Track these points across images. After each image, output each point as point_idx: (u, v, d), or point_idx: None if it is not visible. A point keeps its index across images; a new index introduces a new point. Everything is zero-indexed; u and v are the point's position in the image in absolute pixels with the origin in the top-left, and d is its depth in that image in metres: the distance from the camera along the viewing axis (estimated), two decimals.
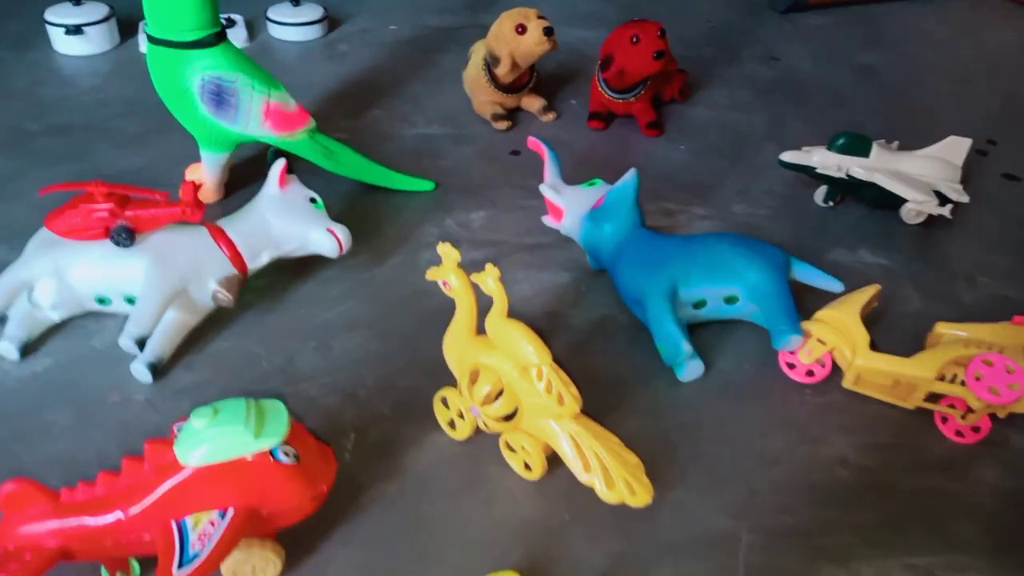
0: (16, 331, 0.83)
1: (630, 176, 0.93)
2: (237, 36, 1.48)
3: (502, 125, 1.28)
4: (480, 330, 0.75)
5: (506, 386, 0.72)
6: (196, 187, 0.83)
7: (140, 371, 0.82)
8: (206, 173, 1.05)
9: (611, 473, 0.70)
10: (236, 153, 1.06)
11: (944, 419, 0.82)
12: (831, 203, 1.14)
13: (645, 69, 1.21)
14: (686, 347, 0.83)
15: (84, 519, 0.61)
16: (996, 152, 1.31)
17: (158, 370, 0.83)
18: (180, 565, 0.57)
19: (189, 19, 0.93)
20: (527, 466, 0.75)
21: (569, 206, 0.96)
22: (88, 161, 1.16)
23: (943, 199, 1.08)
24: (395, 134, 1.27)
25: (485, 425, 0.75)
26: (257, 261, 0.89)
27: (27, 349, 0.84)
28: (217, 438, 0.60)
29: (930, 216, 1.08)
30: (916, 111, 1.41)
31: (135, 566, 0.65)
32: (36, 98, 1.30)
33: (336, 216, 1.07)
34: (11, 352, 0.83)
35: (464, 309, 0.75)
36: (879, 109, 1.41)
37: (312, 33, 1.53)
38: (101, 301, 0.86)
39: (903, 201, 1.07)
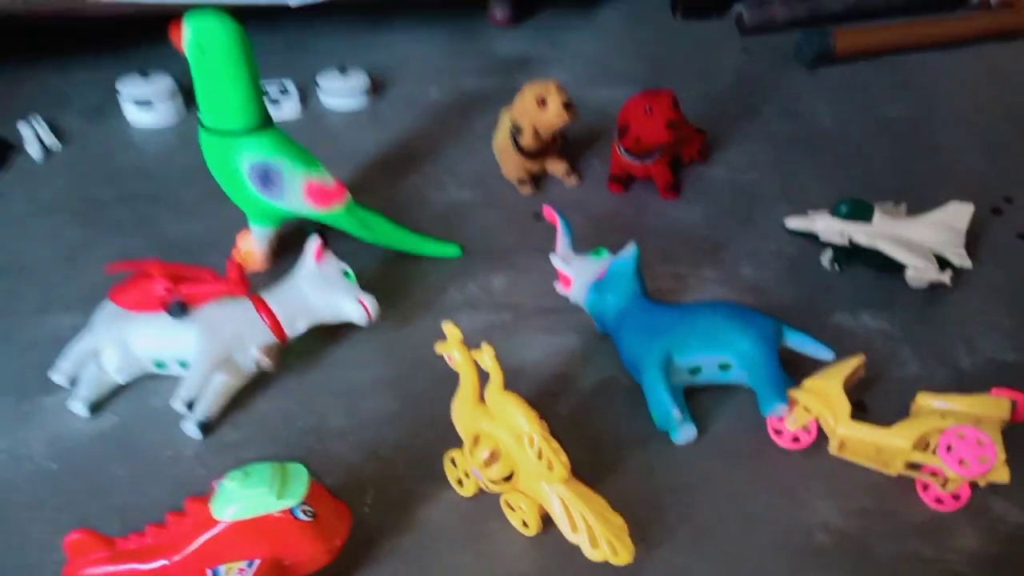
0: (86, 392, 0.96)
1: (630, 251, 1.00)
2: (290, 107, 1.61)
3: (526, 190, 1.37)
4: (484, 398, 0.84)
5: (503, 451, 0.81)
6: (240, 266, 0.94)
7: (191, 429, 0.93)
8: (256, 244, 1.17)
9: (596, 533, 0.77)
10: (285, 225, 1.18)
11: (925, 487, 0.87)
12: (837, 267, 1.19)
13: (658, 138, 1.28)
14: (676, 414, 0.90)
15: (135, 565, 0.72)
16: (1012, 210, 1.33)
17: (207, 428, 0.94)
18: None
19: (239, 110, 1.05)
20: (525, 523, 0.83)
21: (576, 276, 1.04)
22: (153, 228, 1.29)
23: (946, 264, 1.12)
24: (428, 199, 1.37)
25: (486, 486, 0.83)
26: (294, 329, 1.00)
27: (95, 407, 0.97)
28: (246, 498, 0.70)
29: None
30: (936, 165, 1.44)
31: None
32: (109, 168, 1.45)
33: (368, 280, 1.18)
34: (82, 410, 0.95)
35: (467, 380, 0.84)
36: (898, 164, 1.45)
37: (360, 102, 1.64)
38: (159, 365, 0.98)
39: (905, 267, 1.12)
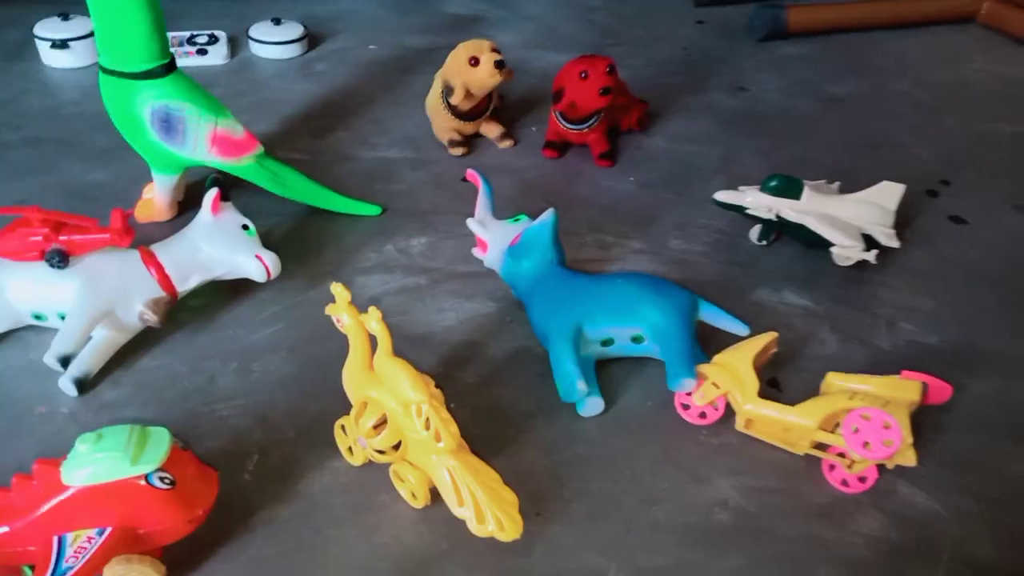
0: None
1: (548, 216, 0.96)
2: (218, 53, 1.54)
3: (457, 151, 1.32)
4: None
5: (390, 420, 0.76)
6: (124, 215, 0.88)
7: (66, 385, 0.87)
8: (157, 193, 1.10)
9: (483, 508, 0.73)
10: (192, 173, 1.12)
11: (832, 467, 0.85)
12: (765, 242, 1.16)
13: (593, 104, 1.24)
14: (581, 386, 0.86)
15: None
16: (948, 192, 1.31)
17: (84, 385, 0.88)
18: None
19: (138, 51, 0.98)
20: (414, 495, 0.79)
21: (494, 241, 1.00)
22: (56, 174, 1.22)
23: (874, 244, 1.09)
24: (354, 156, 1.32)
25: (372, 455, 0.79)
26: (186, 284, 0.94)
27: None
28: (97, 462, 0.65)
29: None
30: (877, 145, 1.42)
31: (27, 573, 0.71)
32: (18, 109, 1.37)
33: (279, 238, 1.13)
34: None
35: (356, 344, 0.79)
36: (840, 142, 1.42)
37: (291, 52, 1.58)
38: (38, 317, 0.92)
39: (832, 244, 1.09)
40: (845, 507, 0.83)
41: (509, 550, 0.76)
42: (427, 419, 0.74)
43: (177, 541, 0.71)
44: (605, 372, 0.94)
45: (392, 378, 0.75)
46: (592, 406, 0.89)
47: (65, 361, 0.85)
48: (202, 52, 1.53)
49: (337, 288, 0.77)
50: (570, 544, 0.78)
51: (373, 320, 0.75)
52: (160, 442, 0.68)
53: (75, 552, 0.65)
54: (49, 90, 1.44)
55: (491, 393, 0.93)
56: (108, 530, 0.66)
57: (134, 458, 0.65)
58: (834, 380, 0.87)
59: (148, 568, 0.68)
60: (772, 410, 0.84)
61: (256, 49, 1.58)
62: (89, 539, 0.65)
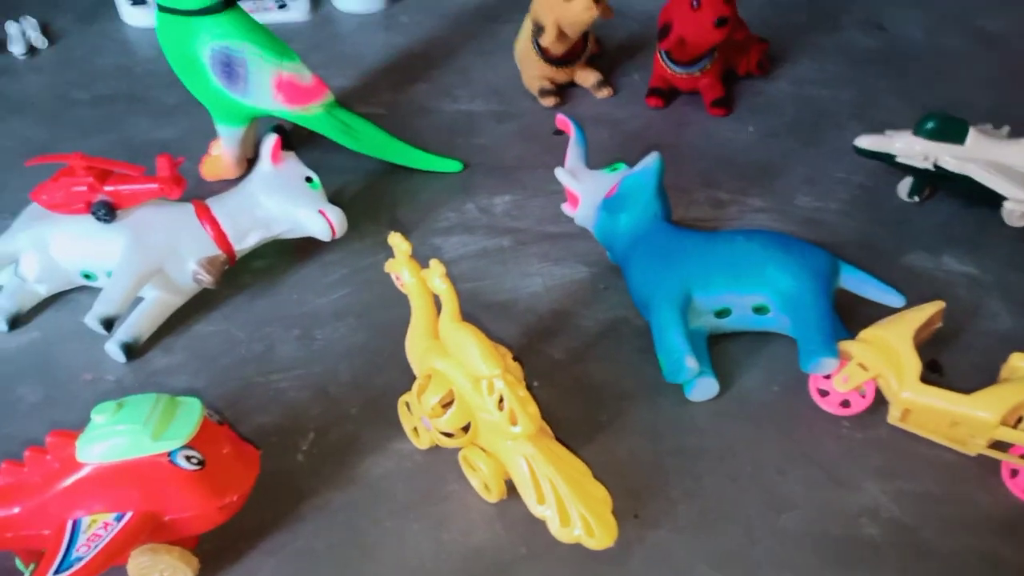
0: (5, 303, 0.83)
1: (651, 160, 0.81)
2: (299, 7, 1.45)
3: (549, 101, 1.18)
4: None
5: (457, 397, 0.64)
6: (173, 163, 0.79)
7: (114, 351, 0.79)
8: (224, 148, 1.02)
9: (568, 507, 0.60)
10: (262, 128, 1.03)
11: (1014, 472, 0.67)
12: (916, 198, 0.97)
13: (707, 38, 1.07)
14: (691, 363, 0.71)
15: None
16: None
17: (133, 350, 0.80)
18: (58, 569, 0.54)
19: None
20: (487, 487, 0.67)
21: (586, 193, 0.85)
22: (122, 131, 1.16)
23: None
24: (435, 109, 1.20)
25: (436, 438, 0.67)
26: (244, 242, 0.84)
27: (17, 322, 0.84)
28: (115, 436, 0.55)
29: None
30: None
31: (24, 569, 0.62)
32: (91, 68, 1.33)
33: (351, 196, 1.02)
34: None
35: (420, 307, 0.67)
36: (997, 84, 1.20)
37: (375, 4, 1.47)
38: (87, 276, 0.84)
39: (1004, 198, 0.89)
40: None
41: (601, 558, 0.62)
42: (500, 397, 0.61)
43: (212, 530, 0.61)
44: (720, 349, 0.79)
45: (459, 347, 0.62)
46: (704, 388, 0.74)
47: (108, 323, 0.77)
48: (282, 6, 1.45)
49: (395, 239, 0.65)
50: (676, 554, 0.64)
51: (436, 276, 0.62)
52: (189, 415, 0.57)
53: (88, 540, 0.55)
54: (125, 49, 1.38)
55: (582, 370, 0.79)
56: (128, 515, 0.56)
57: (156, 433, 0.55)
58: (1021, 362, 0.68)
59: (177, 560, 0.59)
60: (939, 399, 0.67)
61: (338, 3, 1.48)
62: (106, 525, 0.56)
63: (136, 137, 1.13)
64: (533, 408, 0.61)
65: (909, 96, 1.17)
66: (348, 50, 1.36)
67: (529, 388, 0.63)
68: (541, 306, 0.87)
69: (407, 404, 0.71)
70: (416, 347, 0.69)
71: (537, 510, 0.61)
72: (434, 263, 0.62)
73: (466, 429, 0.65)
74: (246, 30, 0.93)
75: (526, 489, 0.62)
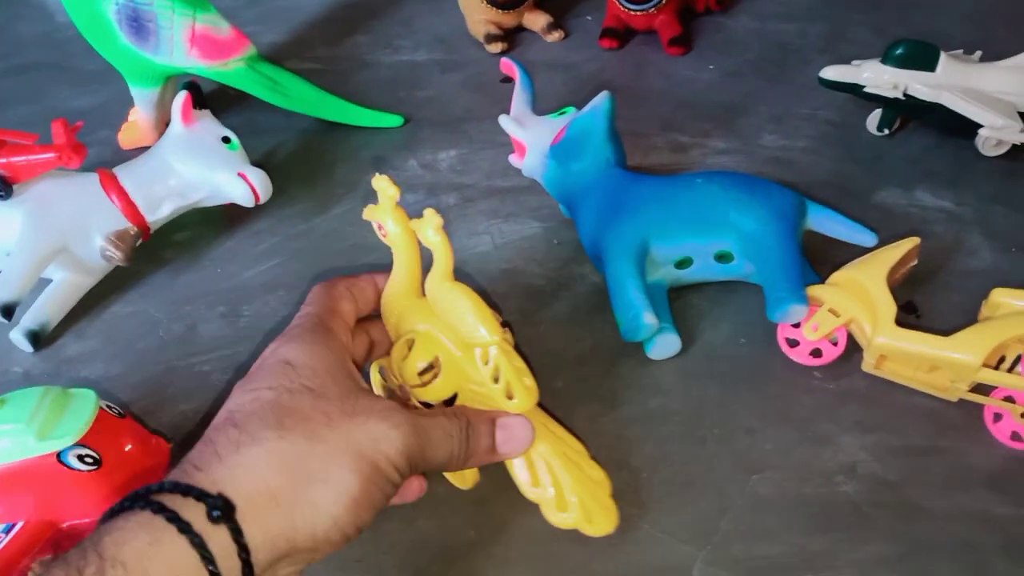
0: None
1: (601, 100, 0.74)
2: None
3: (495, 47, 1.11)
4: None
5: (444, 365, 0.56)
6: (69, 129, 0.71)
7: (19, 340, 0.72)
8: (140, 112, 0.94)
9: (565, 491, 0.54)
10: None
11: (997, 417, 0.62)
12: (887, 131, 0.91)
13: None
14: (649, 319, 0.65)
15: None
16: None
17: (41, 339, 0.73)
18: None
19: None
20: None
21: (532, 141, 0.78)
22: (42, 101, 1.07)
23: None
24: (375, 61, 1.12)
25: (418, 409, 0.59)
26: (158, 213, 0.77)
27: None
28: None
29: (1015, 146, 0.84)
30: None
31: None
32: (11, 36, 1.23)
33: (283, 159, 0.95)
34: None
35: (404, 261, 0.58)
36: (976, 13, 1.13)
37: None
38: None
39: (979, 127, 0.83)
40: (1021, 472, 0.61)
41: (558, 537, 0.56)
42: (496, 367, 0.53)
43: None
44: (682, 302, 0.73)
45: (452, 310, 0.54)
46: (665, 345, 0.68)
47: (7, 310, 0.69)
48: None
49: (381, 182, 0.56)
50: (641, 529, 0.59)
51: (430, 227, 0.53)
52: (81, 410, 0.51)
53: None
54: (44, 14, 1.29)
55: (535, 333, 0.73)
56: (20, 524, 0.50)
57: (42, 432, 0.49)
58: (1002, 299, 0.63)
59: None
60: (917, 343, 0.61)
61: None
62: None
63: (58, 106, 1.05)
64: (531, 380, 0.54)
65: (882, 29, 1.11)
66: (282, 3, 1.27)
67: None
68: (491, 267, 0.80)
69: (380, 369, 0.62)
70: (395, 305, 0.59)
71: (531, 492, 0.54)
72: (429, 212, 0.53)
73: (449, 402, 0.57)
74: None
75: (519, 471, 0.55)
